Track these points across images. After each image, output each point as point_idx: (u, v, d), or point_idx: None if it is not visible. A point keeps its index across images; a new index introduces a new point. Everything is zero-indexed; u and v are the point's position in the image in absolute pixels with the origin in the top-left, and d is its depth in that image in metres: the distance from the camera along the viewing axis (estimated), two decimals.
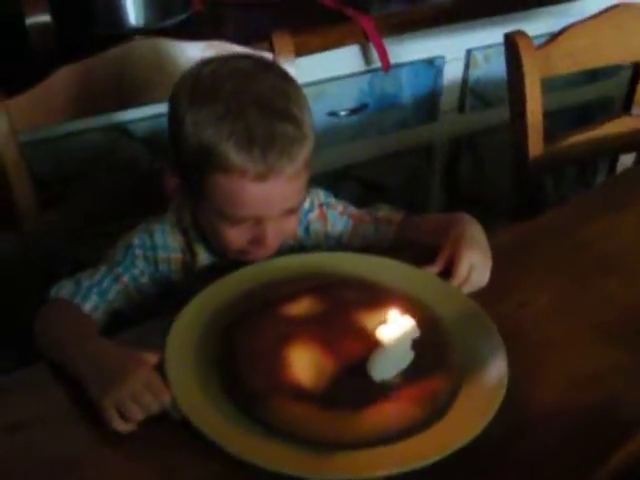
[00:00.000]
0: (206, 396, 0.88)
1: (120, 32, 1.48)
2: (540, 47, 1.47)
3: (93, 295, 1.06)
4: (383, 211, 1.25)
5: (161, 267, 1.13)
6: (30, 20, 1.43)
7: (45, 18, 1.44)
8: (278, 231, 1.07)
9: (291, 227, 1.11)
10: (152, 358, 0.90)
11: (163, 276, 1.13)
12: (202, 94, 1.02)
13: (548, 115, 1.57)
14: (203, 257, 1.14)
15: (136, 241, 1.12)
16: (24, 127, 1.25)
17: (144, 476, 0.84)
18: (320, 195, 1.24)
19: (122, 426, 0.85)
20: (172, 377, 0.89)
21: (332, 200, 1.25)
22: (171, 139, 1.07)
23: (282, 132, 1.00)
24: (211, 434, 0.83)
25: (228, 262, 1.10)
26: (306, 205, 1.20)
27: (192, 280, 1.12)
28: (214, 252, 1.14)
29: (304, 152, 1.03)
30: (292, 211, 1.08)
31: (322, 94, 1.72)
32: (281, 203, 1.05)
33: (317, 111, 1.67)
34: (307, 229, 1.21)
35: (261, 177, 1.00)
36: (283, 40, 1.37)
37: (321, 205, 1.23)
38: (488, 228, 1.14)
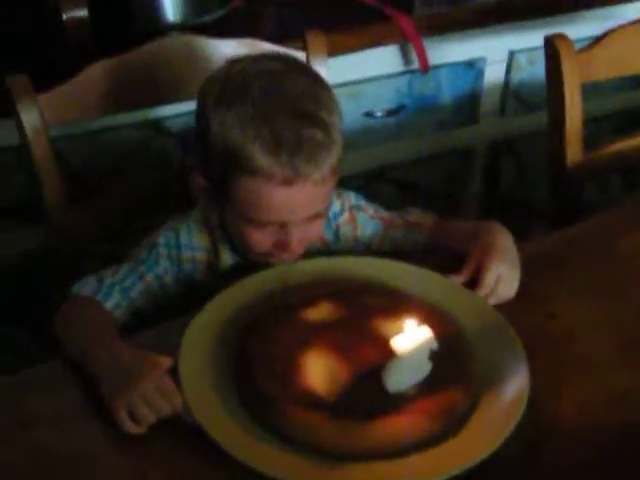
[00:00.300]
0: (219, 400, 0.87)
1: (157, 28, 1.47)
2: (582, 51, 1.43)
3: (115, 293, 1.06)
4: (414, 215, 1.23)
5: (185, 266, 1.12)
6: (67, 15, 1.43)
7: (82, 13, 1.44)
8: (303, 235, 1.06)
9: (316, 231, 1.09)
10: (167, 361, 0.89)
11: (187, 275, 1.12)
12: (230, 94, 1.01)
13: (591, 121, 1.52)
14: (227, 257, 1.13)
15: (161, 240, 1.11)
16: (56, 122, 1.25)
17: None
18: (351, 198, 1.22)
19: (133, 428, 0.85)
20: (185, 379, 0.88)
21: (363, 203, 1.23)
22: (198, 138, 1.06)
23: (310, 137, 0.98)
24: (223, 441, 0.82)
25: (252, 263, 1.09)
26: (336, 208, 1.18)
27: (216, 280, 1.11)
28: (238, 253, 1.13)
29: (332, 158, 1.01)
30: (318, 215, 1.06)
31: (358, 94, 1.69)
32: (307, 208, 1.03)
33: (353, 111, 1.67)
34: (336, 233, 1.20)
35: (287, 182, 0.98)
36: (317, 39, 1.35)
37: (351, 208, 1.21)
38: (527, 233, 1.11)
